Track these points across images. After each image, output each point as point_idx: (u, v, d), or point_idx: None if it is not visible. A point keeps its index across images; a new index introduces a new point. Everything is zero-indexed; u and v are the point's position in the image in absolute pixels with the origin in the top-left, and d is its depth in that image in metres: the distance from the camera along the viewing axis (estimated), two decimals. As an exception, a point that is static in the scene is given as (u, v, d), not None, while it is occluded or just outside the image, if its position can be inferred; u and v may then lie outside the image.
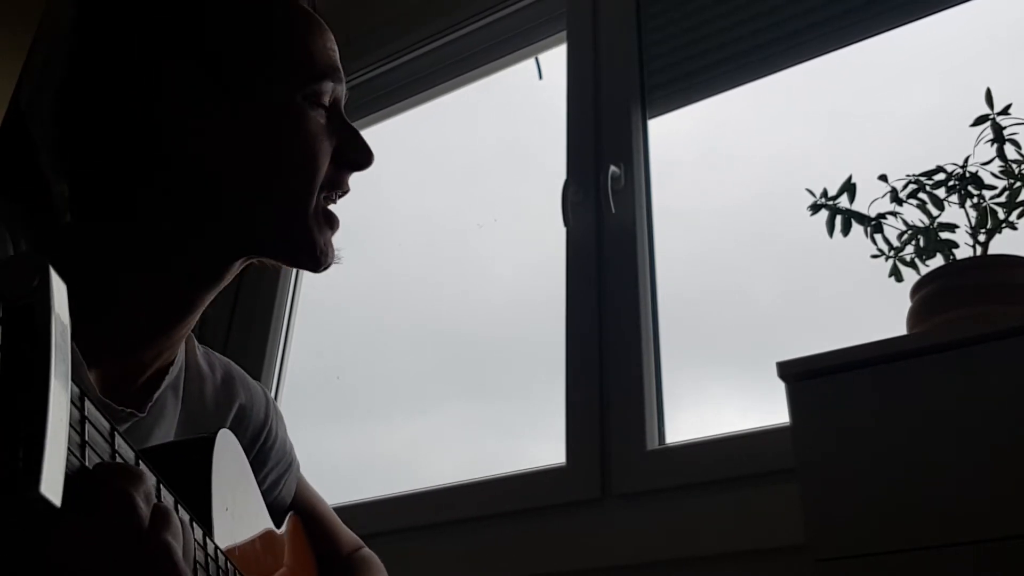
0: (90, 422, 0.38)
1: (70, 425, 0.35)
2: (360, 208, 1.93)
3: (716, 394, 1.37)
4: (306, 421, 1.76)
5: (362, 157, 0.71)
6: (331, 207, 0.71)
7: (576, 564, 1.21)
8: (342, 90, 0.72)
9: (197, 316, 0.69)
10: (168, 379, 0.70)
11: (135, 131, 0.64)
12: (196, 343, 0.78)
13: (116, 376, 0.66)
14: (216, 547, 0.55)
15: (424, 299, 1.81)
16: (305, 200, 0.67)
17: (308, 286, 1.89)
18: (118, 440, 0.42)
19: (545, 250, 1.55)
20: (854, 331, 1.04)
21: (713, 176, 1.54)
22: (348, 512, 1.00)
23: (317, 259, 0.69)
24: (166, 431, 0.70)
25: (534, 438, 1.45)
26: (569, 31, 1.69)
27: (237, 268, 0.70)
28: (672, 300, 1.41)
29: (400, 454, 1.67)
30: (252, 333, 1.83)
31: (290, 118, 0.66)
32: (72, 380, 0.36)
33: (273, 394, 1.75)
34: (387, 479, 1.53)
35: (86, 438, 0.38)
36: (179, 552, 0.41)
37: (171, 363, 0.71)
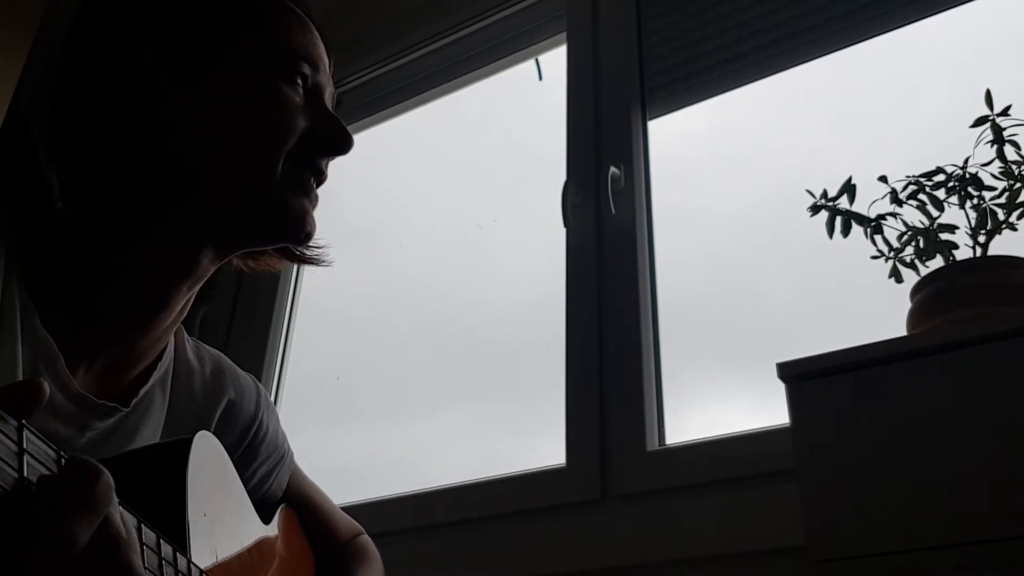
0: (30, 454, 0.37)
1: (2, 460, 0.35)
2: (361, 208, 1.93)
3: (725, 394, 1.37)
4: (309, 421, 1.76)
5: (336, 137, 0.69)
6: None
7: (576, 565, 1.21)
8: (321, 78, 0.71)
9: (180, 307, 0.69)
10: (156, 375, 0.70)
11: (112, 113, 0.65)
12: (186, 336, 0.77)
13: (102, 370, 0.66)
14: (189, 562, 0.53)
15: (426, 299, 1.81)
16: (270, 166, 0.65)
17: (310, 286, 1.89)
18: (27, 435, 0.40)
19: (548, 251, 1.55)
20: (855, 332, 1.04)
21: (714, 177, 1.55)
22: (348, 512, 1.00)
23: (293, 225, 0.67)
24: (153, 429, 0.70)
25: (542, 438, 1.45)
26: (569, 32, 1.69)
27: (211, 260, 0.68)
28: (678, 300, 1.41)
29: (405, 455, 1.67)
30: (252, 334, 1.83)
31: (256, 89, 0.66)
32: (8, 412, 0.35)
33: (273, 395, 1.75)
34: (392, 480, 1.53)
35: (25, 473, 0.36)
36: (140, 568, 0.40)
37: (159, 359, 0.71)
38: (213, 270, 0.69)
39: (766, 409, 1.20)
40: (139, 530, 0.46)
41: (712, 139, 1.57)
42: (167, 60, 0.65)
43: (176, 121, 0.65)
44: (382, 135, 1.98)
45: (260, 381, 1.83)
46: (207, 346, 0.81)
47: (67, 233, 0.64)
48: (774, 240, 1.41)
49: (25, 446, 0.37)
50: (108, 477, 0.39)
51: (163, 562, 0.49)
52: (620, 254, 1.43)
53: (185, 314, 0.70)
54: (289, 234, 0.68)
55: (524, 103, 1.88)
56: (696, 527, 1.14)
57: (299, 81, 0.68)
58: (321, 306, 1.89)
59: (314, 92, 0.70)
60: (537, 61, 1.83)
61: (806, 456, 0.82)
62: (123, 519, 0.42)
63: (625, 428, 1.29)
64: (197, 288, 0.69)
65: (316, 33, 0.72)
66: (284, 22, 0.69)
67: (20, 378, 0.57)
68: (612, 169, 1.47)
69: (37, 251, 0.63)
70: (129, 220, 0.65)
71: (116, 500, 0.40)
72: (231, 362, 0.83)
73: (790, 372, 0.85)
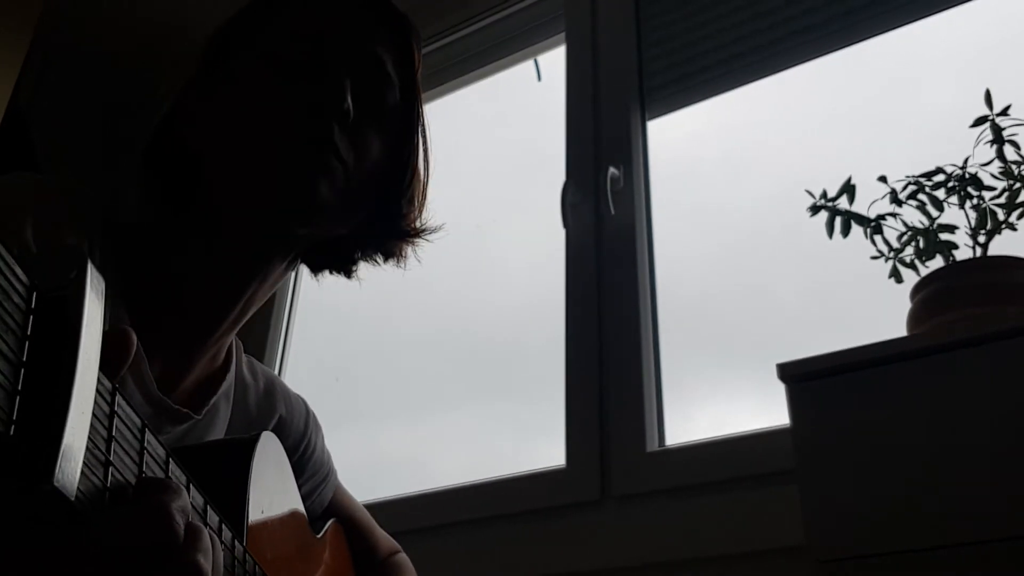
0: (119, 417, 0.38)
1: (96, 417, 0.35)
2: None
3: (729, 394, 1.37)
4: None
5: (326, 101, 0.66)
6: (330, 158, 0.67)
7: (575, 566, 1.21)
8: (327, 46, 0.69)
9: (242, 312, 0.70)
10: (223, 387, 0.73)
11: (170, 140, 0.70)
12: (242, 351, 0.80)
13: (167, 373, 0.67)
14: (244, 550, 0.55)
15: (426, 299, 1.81)
16: (272, 154, 0.65)
17: (310, 287, 1.89)
18: (148, 437, 0.41)
19: (548, 251, 1.56)
20: (858, 331, 1.04)
21: (713, 177, 1.55)
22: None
23: (302, 196, 0.65)
24: (216, 437, 0.73)
25: (545, 439, 1.45)
26: (568, 32, 1.69)
27: (270, 261, 0.69)
28: (681, 300, 1.41)
29: (406, 456, 1.67)
30: (252, 335, 1.83)
31: (254, 93, 0.68)
32: (107, 376, 0.36)
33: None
34: (393, 481, 1.53)
35: (113, 433, 0.37)
36: (209, 572, 0.40)
37: (224, 369, 0.74)
38: (280, 269, 0.70)
39: (771, 409, 1.20)
40: (205, 511, 0.48)
41: (711, 139, 1.57)
42: (194, 84, 0.70)
43: (203, 140, 0.68)
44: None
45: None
46: (259, 363, 0.84)
47: (146, 246, 0.67)
48: (775, 240, 1.41)
49: (116, 409, 0.38)
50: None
51: (223, 546, 0.50)
52: (619, 254, 1.43)
53: (248, 315, 0.72)
54: (301, 205, 0.66)
55: (523, 104, 1.88)
56: (696, 528, 1.14)
57: (298, 64, 0.68)
58: (321, 306, 1.89)
59: (316, 64, 0.68)
60: (536, 62, 1.83)
61: (806, 456, 0.82)
62: (194, 506, 0.44)
63: (625, 429, 1.29)
64: (263, 290, 0.71)
65: (325, 2, 0.71)
66: (284, 13, 0.71)
67: None
68: (611, 169, 1.47)
69: (121, 255, 0.65)
70: (191, 230, 0.68)
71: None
72: (282, 380, 0.86)
73: (790, 373, 0.85)
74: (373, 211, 0.73)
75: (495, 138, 1.90)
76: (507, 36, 1.84)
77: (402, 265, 0.78)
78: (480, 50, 1.87)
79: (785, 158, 1.46)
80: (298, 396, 0.87)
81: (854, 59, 1.39)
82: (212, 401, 0.71)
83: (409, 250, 0.78)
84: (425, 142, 0.79)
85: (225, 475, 0.60)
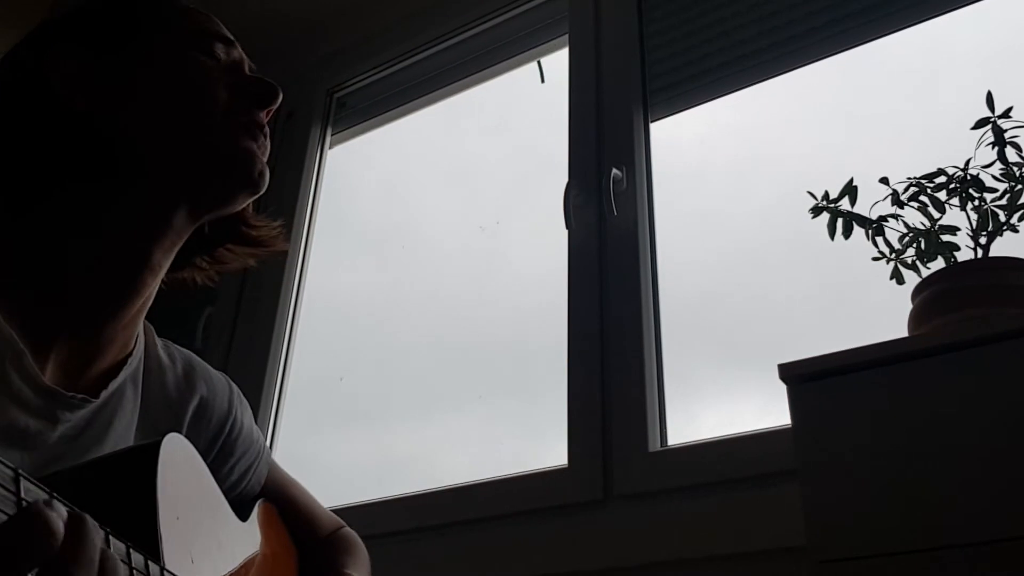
0: None
1: None
2: (365, 208, 1.94)
3: (736, 394, 1.37)
4: (314, 423, 1.76)
5: (263, 89, 0.75)
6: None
7: (578, 565, 1.21)
8: (236, 54, 0.77)
9: (147, 291, 0.71)
10: (126, 370, 0.72)
11: (57, 124, 0.69)
12: (155, 335, 0.79)
13: (72, 361, 0.67)
14: (162, 569, 0.53)
15: (430, 300, 1.81)
16: (210, 120, 0.71)
17: (315, 288, 1.89)
18: (24, 485, 0.39)
19: (551, 252, 1.56)
20: (857, 332, 1.04)
21: (715, 178, 1.55)
22: (350, 513, 1.01)
23: (244, 164, 0.71)
24: (126, 424, 0.71)
25: (549, 439, 1.45)
26: (571, 34, 1.70)
27: (182, 226, 0.71)
28: (685, 301, 1.41)
29: (411, 456, 1.67)
30: (255, 336, 1.84)
31: (182, 66, 0.73)
32: None
33: (276, 396, 1.75)
34: (398, 481, 1.54)
35: None
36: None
37: (129, 354, 0.73)
38: (180, 245, 0.73)
39: (776, 409, 1.20)
40: (107, 541, 0.45)
41: (713, 141, 1.57)
42: (96, 68, 0.71)
43: (119, 115, 0.70)
44: (386, 137, 1.99)
45: (263, 383, 1.84)
46: (177, 346, 0.83)
47: (28, 232, 0.67)
48: (776, 241, 1.41)
49: None
50: (92, 525, 0.40)
51: (134, 571, 0.48)
52: (622, 255, 1.43)
53: (151, 302, 0.73)
54: (243, 175, 0.72)
55: (526, 105, 1.89)
56: (697, 528, 1.15)
57: (217, 54, 0.75)
58: (326, 308, 1.90)
59: (234, 63, 0.76)
60: (539, 64, 1.84)
61: (807, 457, 0.82)
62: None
63: (627, 429, 1.30)
64: (163, 273, 0.72)
65: (222, 25, 0.79)
66: (191, 15, 0.77)
67: None
68: (614, 171, 1.48)
69: (11, 248, 0.65)
70: (93, 210, 0.69)
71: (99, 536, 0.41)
72: (202, 361, 0.85)
73: (791, 373, 0.85)
74: None
75: (499, 139, 1.91)
76: (511, 38, 1.84)
77: (218, 277, 0.83)
78: (484, 52, 1.88)
79: (787, 159, 1.46)
80: (220, 374, 0.85)
81: (857, 61, 1.40)
82: (114, 385, 0.70)
83: (228, 254, 0.81)
84: None
85: (129, 489, 0.57)
